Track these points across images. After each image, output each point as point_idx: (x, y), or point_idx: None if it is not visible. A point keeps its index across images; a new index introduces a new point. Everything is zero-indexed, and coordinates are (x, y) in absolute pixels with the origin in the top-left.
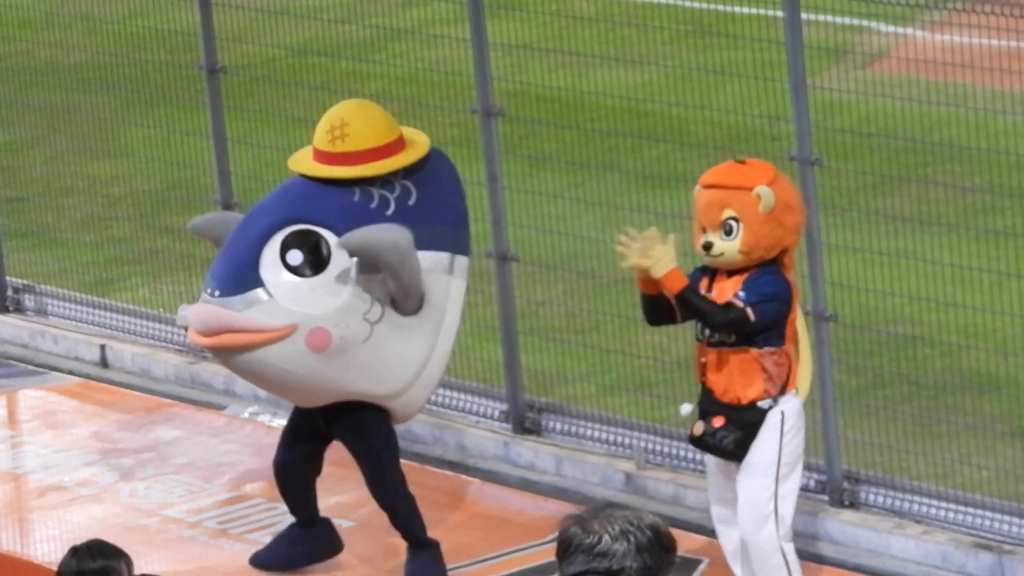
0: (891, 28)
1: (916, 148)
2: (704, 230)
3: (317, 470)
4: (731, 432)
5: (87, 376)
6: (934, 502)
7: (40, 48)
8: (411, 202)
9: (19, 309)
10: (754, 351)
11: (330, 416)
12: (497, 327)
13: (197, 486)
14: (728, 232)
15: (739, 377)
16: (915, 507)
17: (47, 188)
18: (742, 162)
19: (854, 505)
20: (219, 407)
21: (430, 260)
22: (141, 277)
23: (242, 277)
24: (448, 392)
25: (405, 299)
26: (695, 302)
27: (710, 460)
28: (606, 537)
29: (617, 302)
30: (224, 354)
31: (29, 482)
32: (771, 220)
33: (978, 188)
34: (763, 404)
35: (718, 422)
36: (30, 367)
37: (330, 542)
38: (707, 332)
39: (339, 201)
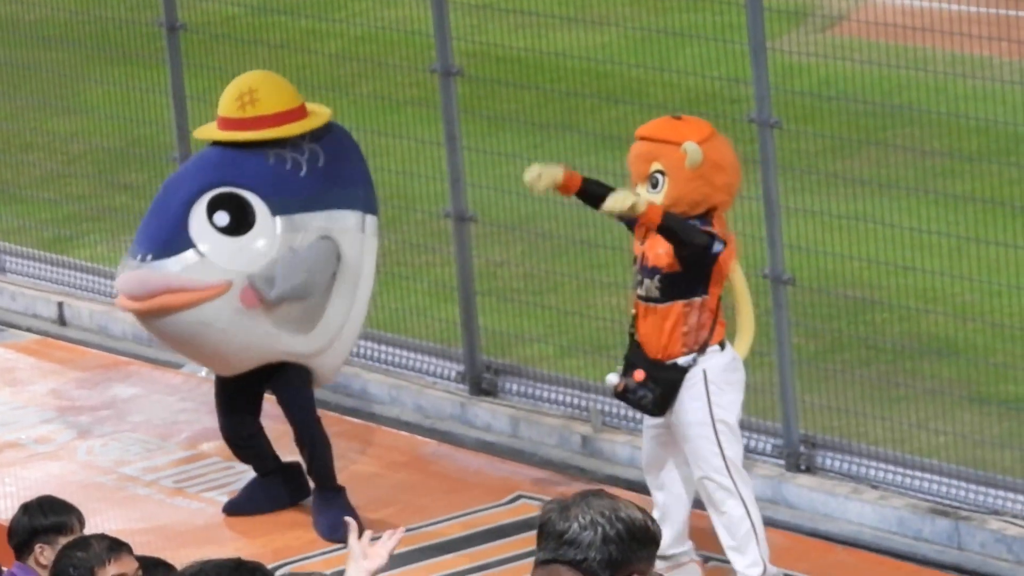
0: None
1: (875, 112)
2: (635, 183)
3: (258, 425)
4: (651, 390)
5: (45, 333)
6: (891, 467)
7: (0, 4)
8: (320, 164)
9: None
10: (679, 304)
11: (259, 376)
12: (455, 287)
13: (154, 444)
14: (654, 185)
15: (664, 334)
16: (872, 472)
17: (6, 144)
18: (678, 118)
19: (811, 470)
20: (176, 365)
21: (344, 219)
22: (100, 234)
23: (172, 240)
24: (405, 352)
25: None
26: (677, 220)
27: (648, 425)
28: (575, 525)
29: (575, 263)
30: (159, 318)
31: None
32: (697, 177)
33: (937, 152)
34: (683, 362)
35: (639, 376)
36: None
37: (299, 486)
38: (641, 285)
39: (256, 164)
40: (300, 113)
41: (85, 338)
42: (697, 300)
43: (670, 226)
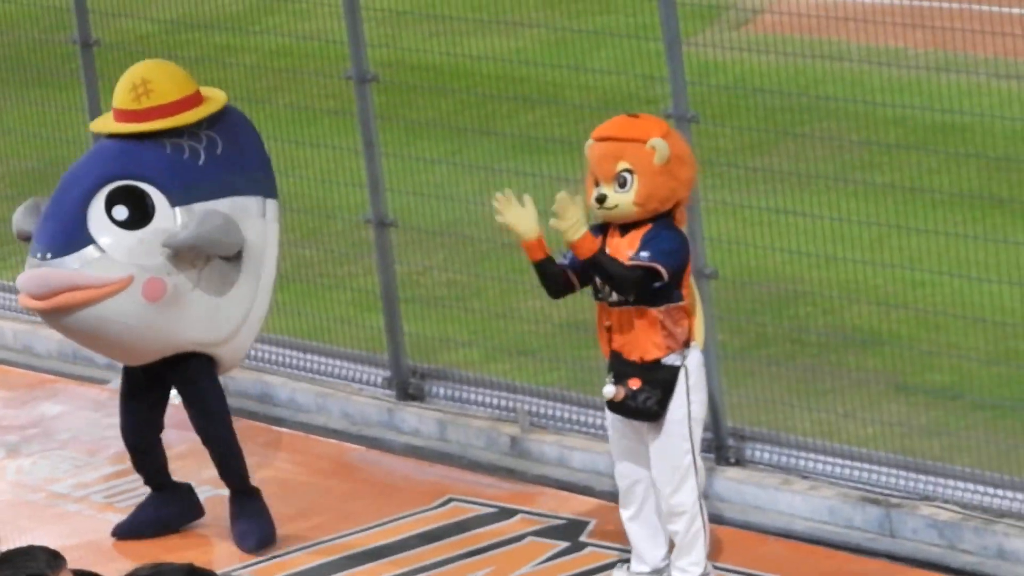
0: None
1: (792, 106)
2: (597, 183)
3: (159, 430)
4: (652, 393)
5: None
6: (820, 457)
7: None
8: (219, 151)
9: None
10: (653, 310)
11: (164, 367)
12: (378, 295)
13: (82, 460)
14: (622, 184)
15: (643, 336)
16: (801, 463)
17: None
18: (635, 115)
19: (740, 462)
20: (102, 381)
21: (245, 205)
22: (21, 255)
23: (71, 237)
24: (330, 360)
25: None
26: (606, 264)
27: (613, 422)
28: None
29: (498, 267)
30: (62, 315)
31: None
32: (665, 172)
33: (855, 143)
34: (671, 361)
35: (635, 384)
36: None
37: (191, 505)
38: (609, 292)
39: (153, 154)
40: (196, 100)
41: (9, 357)
42: (673, 305)
43: (600, 264)
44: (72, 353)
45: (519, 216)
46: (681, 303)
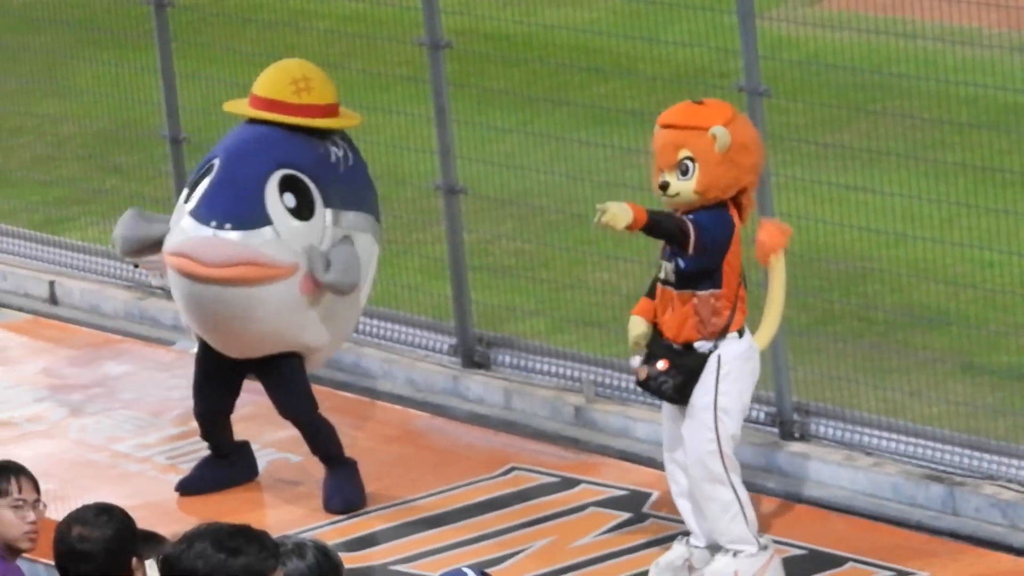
0: None
1: (865, 83)
2: (661, 170)
3: (230, 404)
4: (672, 377)
5: (36, 312)
6: (884, 434)
7: None
8: (351, 163)
9: None
10: (690, 293)
11: (248, 361)
12: (446, 263)
13: (146, 421)
14: (684, 172)
15: (677, 319)
16: (865, 439)
17: None
18: (699, 102)
19: (804, 437)
20: (167, 342)
21: (365, 222)
22: (91, 216)
23: (251, 214)
24: (397, 326)
25: None
26: (661, 220)
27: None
28: None
29: (566, 238)
30: (223, 287)
31: None
32: (726, 161)
33: (928, 122)
34: (701, 347)
35: (662, 365)
36: None
37: (250, 463)
38: (660, 270)
39: (314, 152)
40: (337, 109)
41: (76, 316)
42: (707, 292)
43: (654, 224)
44: (138, 313)
45: (614, 213)
46: (718, 290)
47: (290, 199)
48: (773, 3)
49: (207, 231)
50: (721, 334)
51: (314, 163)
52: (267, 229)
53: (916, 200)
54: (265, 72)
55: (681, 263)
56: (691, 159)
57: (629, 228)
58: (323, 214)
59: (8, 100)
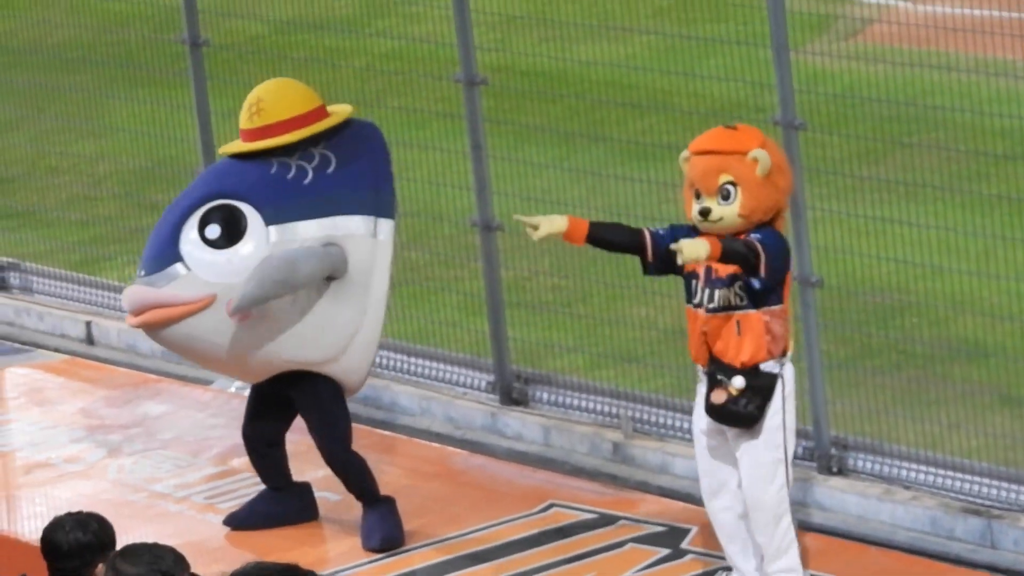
0: (874, 0)
1: (901, 116)
2: (698, 196)
3: (283, 437)
4: (753, 398)
5: (73, 353)
6: (923, 467)
7: (23, 27)
8: (330, 170)
9: (4, 287)
10: (759, 312)
11: (288, 385)
12: (484, 300)
13: (184, 461)
14: (726, 196)
15: (747, 341)
16: (904, 473)
17: (32, 167)
18: (732, 127)
19: (842, 472)
20: (205, 382)
21: (351, 225)
22: (128, 255)
23: (162, 255)
24: (435, 364)
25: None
26: (734, 247)
27: (701, 430)
28: None
29: (604, 273)
30: (152, 331)
31: (16, 459)
32: (768, 183)
33: (964, 153)
34: (769, 368)
35: (740, 382)
36: (16, 345)
37: (305, 504)
38: (709, 298)
39: (256, 173)
40: (310, 118)
41: (113, 357)
42: (776, 308)
43: (729, 251)
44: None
45: (546, 224)
46: (782, 305)
47: (213, 230)
48: (808, 37)
49: (136, 280)
50: (783, 353)
51: (254, 185)
52: (177, 267)
53: (953, 232)
54: None
55: (756, 283)
56: (733, 183)
57: (709, 259)
58: (263, 234)
59: (44, 140)
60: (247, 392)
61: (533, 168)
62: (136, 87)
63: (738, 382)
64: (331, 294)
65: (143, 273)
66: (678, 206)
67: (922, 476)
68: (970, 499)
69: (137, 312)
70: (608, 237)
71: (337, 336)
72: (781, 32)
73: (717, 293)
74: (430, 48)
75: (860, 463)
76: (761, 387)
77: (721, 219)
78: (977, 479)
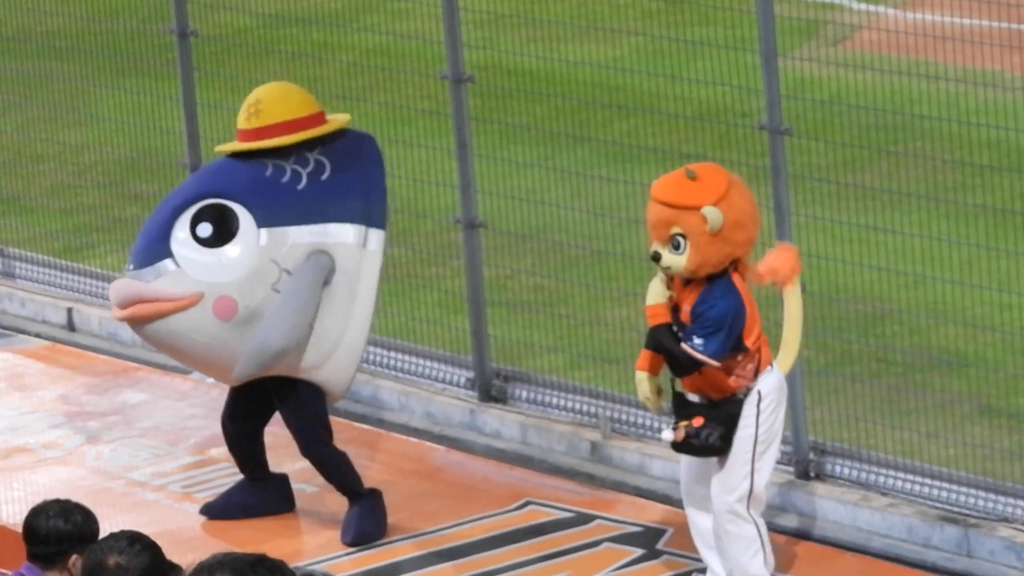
0: (863, 6)
1: (887, 124)
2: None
3: (262, 429)
4: (715, 428)
5: (54, 339)
6: (900, 475)
7: (12, 15)
8: (324, 176)
9: None
10: (719, 363)
11: (266, 380)
12: (465, 297)
13: (162, 449)
14: (676, 247)
15: (709, 382)
16: (881, 480)
17: (17, 155)
18: (693, 177)
19: (820, 477)
20: (185, 371)
21: (341, 233)
22: (110, 244)
23: (152, 250)
24: (414, 359)
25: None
26: (668, 349)
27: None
28: None
29: (586, 274)
30: (137, 325)
31: None
32: (719, 239)
33: (949, 163)
34: (740, 393)
35: (697, 422)
36: None
37: (283, 496)
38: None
39: (250, 175)
40: (308, 123)
41: (94, 344)
42: (737, 356)
43: (661, 348)
44: None
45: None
46: (744, 352)
47: (205, 228)
48: (796, 43)
49: (124, 273)
50: (755, 376)
51: (247, 186)
52: (166, 263)
53: (936, 242)
54: None
55: (714, 363)
56: (683, 236)
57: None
58: (254, 236)
59: (30, 127)
60: None
61: (518, 167)
62: (123, 77)
63: (696, 421)
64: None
65: (131, 267)
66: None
67: (900, 483)
68: (947, 507)
69: (124, 305)
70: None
71: (320, 342)
72: (769, 37)
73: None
74: (417, 45)
75: (838, 469)
76: (723, 415)
77: (670, 267)
78: (955, 487)
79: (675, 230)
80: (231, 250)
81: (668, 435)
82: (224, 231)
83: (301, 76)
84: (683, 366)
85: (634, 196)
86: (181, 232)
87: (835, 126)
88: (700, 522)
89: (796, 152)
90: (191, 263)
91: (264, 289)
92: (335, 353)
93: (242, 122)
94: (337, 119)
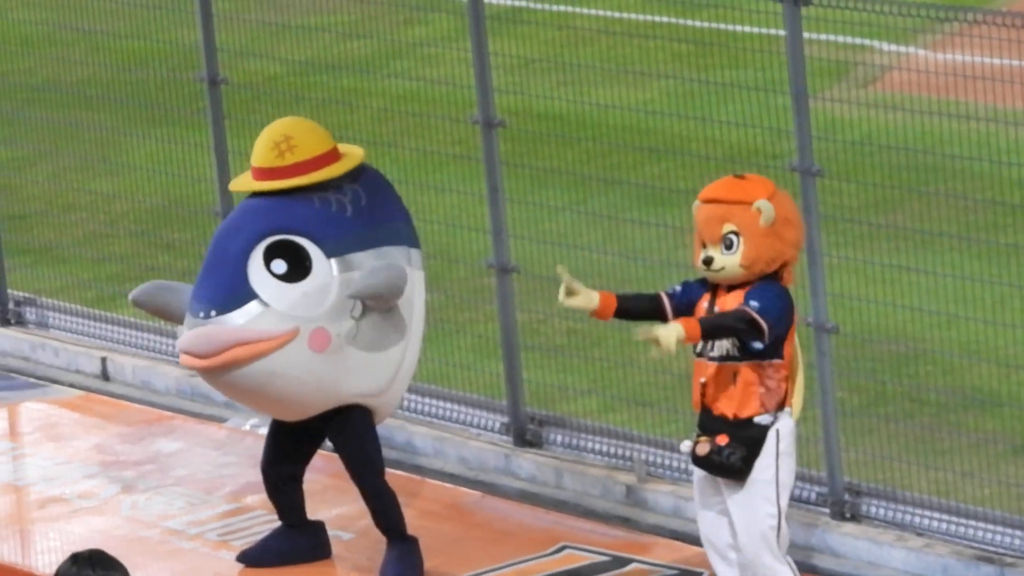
0: (893, 47)
1: (918, 164)
2: (704, 245)
3: (302, 473)
4: (737, 449)
5: (88, 389)
6: (935, 515)
7: (43, 65)
8: (363, 204)
9: (20, 322)
10: (756, 365)
11: (317, 418)
12: (498, 342)
13: (198, 498)
14: (729, 246)
15: (740, 392)
16: (916, 520)
17: (49, 205)
18: (741, 177)
19: (855, 518)
20: (220, 419)
21: (393, 255)
22: None
23: (234, 293)
24: (449, 404)
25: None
26: (719, 323)
27: (697, 477)
28: None
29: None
30: (230, 372)
31: (30, 494)
32: (771, 234)
33: (981, 202)
34: (762, 420)
35: (722, 440)
36: (31, 380)
37: (319, 543)
38: (711, 347)
39: (304, 209)
40: (335, 155)
41: (128, 393)
42: (775, 362)
43: (714, 327)
44: (190, 390)
45: (583, 299)
46: (781, 361)
47: (280, 265)
48: (827, 84)
49: (200, 322)
50: (779, 407)
51: (307, 219)
52: (252, 304)
53: (968, 281)
54: (256, 141)
55: (757, 346)
56: (736, 233)
57: (687, 341)
58: (327, 267)
59: (61, 177)
60: (262, 430)
61: (549, 211)
62: (154, 126)
63: (721, 439)
64: (380, 324)
65: (213, 313)
66: (693, 251)
67: (935, 523)
68: (983, 547)
69: (214, 353)
70: (632, 308)
71: (389, 365)
72: (800, 78)
73: (716, 343)
74: (447, 90)
75: (873, 509)
76: (747, 437)
77: (723, 268)
78: (990, 527)
79: (728, 227)
80: (312, 282)
81: (688, 446)
82: (299, 265)
83: (332, 123)
84: (739, 323)
85: (666, 239)
86: (257, 272)
87: (866, 167)
88: (722, 569)
89: (827, 193)
90: (279, 300)
91: (346, 316)
92: (397, 375)
93: (272, 160)
94: (355, 151)
